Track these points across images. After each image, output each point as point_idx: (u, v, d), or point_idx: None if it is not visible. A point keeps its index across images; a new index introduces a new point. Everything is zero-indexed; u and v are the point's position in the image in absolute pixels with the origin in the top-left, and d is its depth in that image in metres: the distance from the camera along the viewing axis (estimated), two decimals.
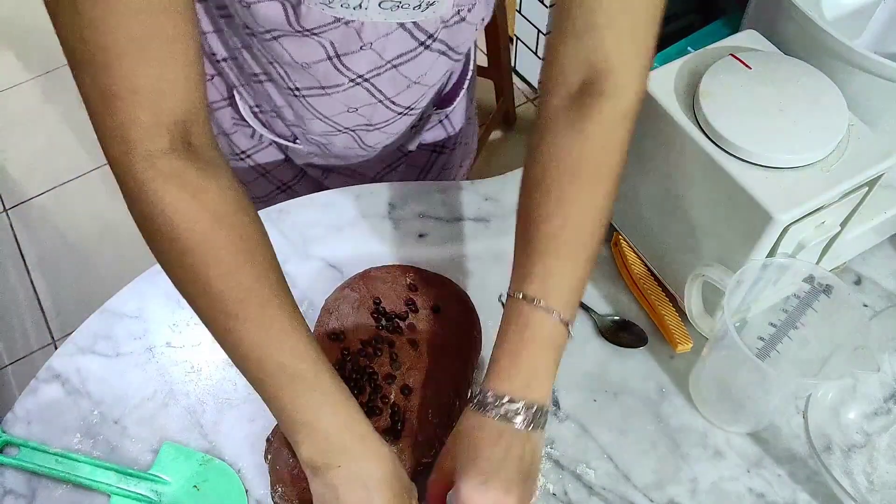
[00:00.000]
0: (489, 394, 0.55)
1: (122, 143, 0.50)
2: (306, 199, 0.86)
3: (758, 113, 0.63)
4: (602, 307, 0.78)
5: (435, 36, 0.69)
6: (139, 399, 0.72)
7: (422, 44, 0.70)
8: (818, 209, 0.62)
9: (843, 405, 0.70)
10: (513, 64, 2.16)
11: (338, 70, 0.70)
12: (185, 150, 0.52)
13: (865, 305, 0.77)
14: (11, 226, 1.97)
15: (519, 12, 1.99)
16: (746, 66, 0.65)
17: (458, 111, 0.95)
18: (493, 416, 0.54)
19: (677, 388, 0.73)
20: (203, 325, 0.77)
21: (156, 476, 0.68)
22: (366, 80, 0.72)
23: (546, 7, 1.88)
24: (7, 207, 2.01)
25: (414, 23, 0.66)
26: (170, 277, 0.55)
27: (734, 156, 0.62)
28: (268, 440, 0.68)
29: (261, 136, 0.88)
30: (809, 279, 0.64)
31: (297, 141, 0.86)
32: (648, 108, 0.65)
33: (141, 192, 0.51)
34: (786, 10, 0.69)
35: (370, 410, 0.66)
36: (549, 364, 0.56)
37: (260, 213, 0.83)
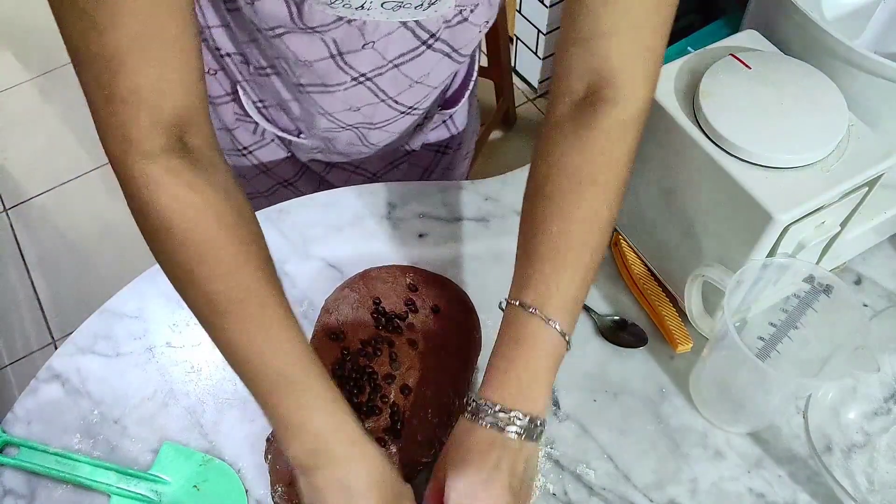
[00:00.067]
0: (482, 402, 0.54)
1: (121, 141, 0.50)
2: (306, 199, 0.86)
3: (758, 113, 0.63)
4: (602, 307, 0.78)
5: (437, 36, 0.69)
6: (139, 399, 0.72)
7: (424, 43, 0.70)
8: (818, 209, 0.62)
9: (843, 405, 0.70)
10: (513, 64, 2.16)
11: (340, 68, 0.70)
12: (183, 150, 0.52)
13: (865, 305, 0.77)
14: (11, 226, 1.97)
15: (519, 12, 1.99)
16: (746, 66, 0.65)
17: (461, 111, 0.95)
18: (486, 425, 0.54)
19: (677, 388, 0.73)
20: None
21: (156, 476, 0.68)
22: (368, 78, 0.72)
23: (546, 7, 1.88)
24: (7, 207, 2.01)
25: (416, 22, 0.66)
26: (166, 274, 0.55)
27: (734, 156, 0.62)
28: (268, 440, 0.68)
29: (263, 132, 0.88)
30: (809, 279, 0.64)
31: (302, 135, 0.86)
32: None
33: (138, 189, 0.51)
34: (786, 10, 0.69)
35: (370, 410, 0.66)
36: (545, 374, 0.55)
37: (260, 212, 0.84)
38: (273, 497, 0.65)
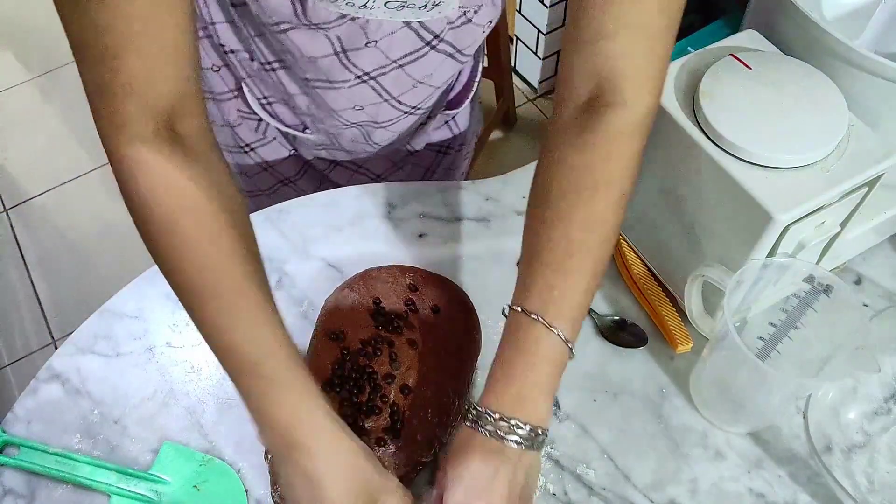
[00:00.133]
0: (483, 410, 0.54)
1: (113, 128, 0.51)
2: (306, 199, 0.86)
3: (758, 113, 0.63)
4: (602, 307, 0.78)
5: (441, 37, 0.69)
6: (139, 399, 0.72)
7: (428, 44, 0.70)
8: (818, 209, 0.62)
9: (843, 405, 0.70)
10: (513, 64, 2.16)
11: (344, 66, 0.70)
12: (173, 137, 0.52)
13: (865, 305, 0.77)
14: (11, 226, 1.97)
15: (519, 12, 1.99)
16: (746, 66, 0.65)
17: (464, 112, 0.96)
18: (485, 433, 0.53)
19: (677, 388, 0.73)
20: None
21: (156, 476, 0.68)
22: (371, 77, 0.72)
23: (546, 7, 1.88)
24: (7, 207, 2.01)
25: (420, 22, 0.66)
26: (152, 257, 0.55)
27: (734, 156, 0.62)
28: None
29: (265, 129, 0.88)
30: (809, 279, 0.64)
31: (307, 130, 0.86)
32: None
33: (126, 173, 0.52)
34: (786, 10, 0.69)
35: (370, 410, 0.66)
36: (546, 383, 0.55)
37: (260, 212, 0.84)
38: (273, 497, 0.65)
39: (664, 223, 0.73)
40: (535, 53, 2.05)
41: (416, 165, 0.98)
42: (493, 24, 0.73)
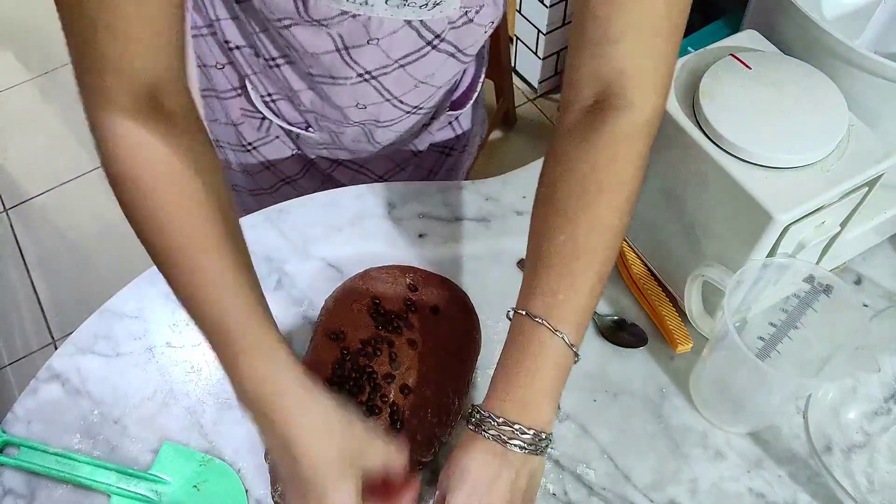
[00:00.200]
0: (485, 413, 0.53)
1: (94, 99, 0.53)
2: (306, 199, 0.86)
3: (758, 113, 0.63)
4: (602, 307, 0.78)
5: (442, 36, 0.69)
6: (139, 399, 0.72)
7: (429, 43, 0.70)
8: (818, 209, 0.62)
9: (843, 405, 0.70)
10: (513, 64, 2.16)
11: (346, 63, 0.70)
12: (153, 111, 0.53)
13: (865, 305, 0.77)
14: (11, 226, 1.97)
15: (519, 12, 1.99)
16: (746, 66, 0.65)
17: (467, 113, 0.96)
18: (488, 437, 0.53)
19: (677, 388, 0.73)
20: None
21: (156, 476, 0.68)
22: (373, 77, 0.72)
23: (546, 7, 1.88)
24: (7, 207, 2.01)
25: (421, 21, 0.66)
26: (132, 228, 0.56)
27: (734, 156, 0.62)
28: None
29: (268, 128, 0.88)
30: (809, 279, 0.64)
31: (310, 129, 0.86)
32: None
33: (105, 143, 0.54)
34: (786, 10, 0.69)
35: (370, 410, 0.66)
36: (551, 387, 0.54)
37: (260, 212, 0.84)
38: (273, 497, 0.65)
39: (664, 223, 0.73)
40: (535, 53, 2.05)
41: (419, 166, 0.98)
42: (494, 25, 0.73)
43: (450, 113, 0.91)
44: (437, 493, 0.56)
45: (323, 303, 0.75)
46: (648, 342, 0.75)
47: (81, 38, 0.50)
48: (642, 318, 0.77)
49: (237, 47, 0.77)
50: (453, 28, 0.69)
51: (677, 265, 0.74)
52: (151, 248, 0.55)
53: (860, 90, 0.66)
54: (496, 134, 2.10)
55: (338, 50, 0.68)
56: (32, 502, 0.67)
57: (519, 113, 2.13)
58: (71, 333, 0.76)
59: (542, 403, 0.54)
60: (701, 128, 0.64)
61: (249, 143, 0.90)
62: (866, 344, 0.59)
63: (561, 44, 2.03)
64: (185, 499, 0.67)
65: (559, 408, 0.71)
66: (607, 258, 0.56)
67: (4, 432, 0.69)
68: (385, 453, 0.55)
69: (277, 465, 0.53)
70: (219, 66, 0.82)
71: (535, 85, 2.15)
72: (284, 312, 0.78)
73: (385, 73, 0.72)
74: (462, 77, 0.90)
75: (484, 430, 0.53)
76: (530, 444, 0.53)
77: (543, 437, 0.54)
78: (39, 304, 1.83)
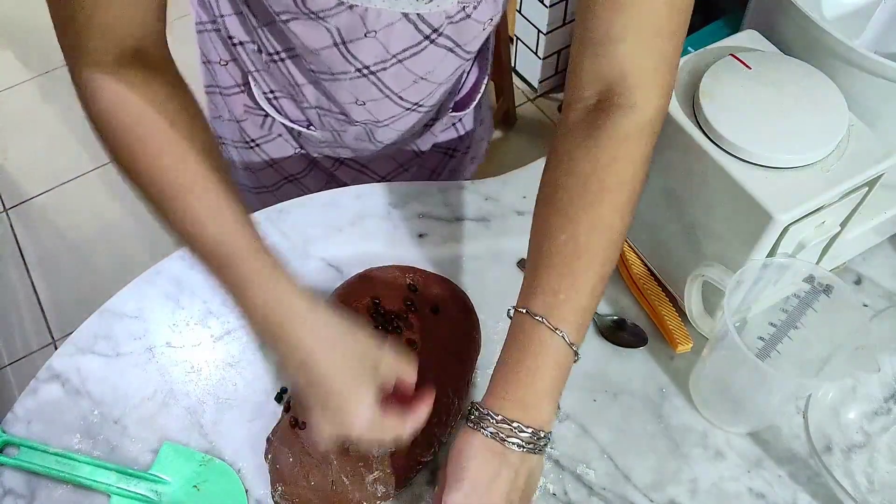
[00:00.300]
0: (484, 411, 0.53)
1: (75, 56, 0.54)
2: (306, 199, 0.86)
3: (758, 113, 0.63)
4: (602, 307, 0.78)
5: (440, 31, 0.69)
6: (139, 399, 0.72)
7: (427, 38, 0.70)
8: (818, 209, 0.62)
9: (843, 405, 0.70)
10: (513, 64, 2.16)
11: (344, 57, 0.70)
12: (133, 64, 0.55)
13: (865, 305, 0.77)
14: (11, 226, 1.97)
15: (519, 12, 1.99)
16: (746, 66, 0.65)
17: (470, 114, 0.96)
18: (486, 435, 0.53)
19: (677, 388, 0.73)
20: (203, 326, 0.77)
21: (156, 476, 0.68)
22: (372, 72, 0.72)
23: (546, 7, 1.88)
24: (7, 207, 2.01)
25: (418, 15, 0.66)
26: (117, 168, 0.57)
27: (734, 156, 0.62)
28: (268, 440, 0.68)
29: (271, 125, 0.88)
30: (809, 279, 0.64)
31: (312, 126, 0.86)
32: None
33: (87, 93, 0.55)
34: (786, 10, 0.69)
35: None
36: (550, 386, 0.54)
37: (260, 212, 0.84)
38: (273, 497, 0.65)
39: (664, 223, 0.73)
40: (535, 53, 2.05)
41: (422, 167, 0.99)
42: (493, 22, 0.73)
43: (452, 114, 0.91)
44: (436, 489, 0.56)
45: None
46: (648, 342, 0.75)
47: (70, 4, 0.51)
48: (642, 318, 0.77)
49: (240, 43, 0.78)
50: (451, 23, 0.69)
51: (677, 265, 0.74)
52: (142, 188, 0.56)
53: (860, 90, 0.66)
54: (496, 134, 2.10)
55: (336, 44, 0.68)
56: (32, 502, 0.67)
57: (519, 113, 2.13)
58: (71, 333, 0.76)
59: (542, 402, 0.54)
60: (701, 128, 0.64)
61: (252, 140, 0.90)
62: (866, 344, 0.59)
63: (561, 44, 2.03)
64: (185, 499, 0.67)
65: (559, 407, 0.71)
66: (609, 258, 0.56)
67: (4, 432, 0.69)
68: (396, 364, 0.56)
69: (294, 384, 0.55)
70: (222, 63, 0.82)
71: (535, 85, 2.15)
72: None
73: (384, 69, 0.72)
74: (465, 79, 0.90)
75: (483, 428, 0.53)
76: (529, 443, 0.53)
77: (542, 435, 0.54)
78: (39, 304, 1.83)
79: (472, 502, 0.52)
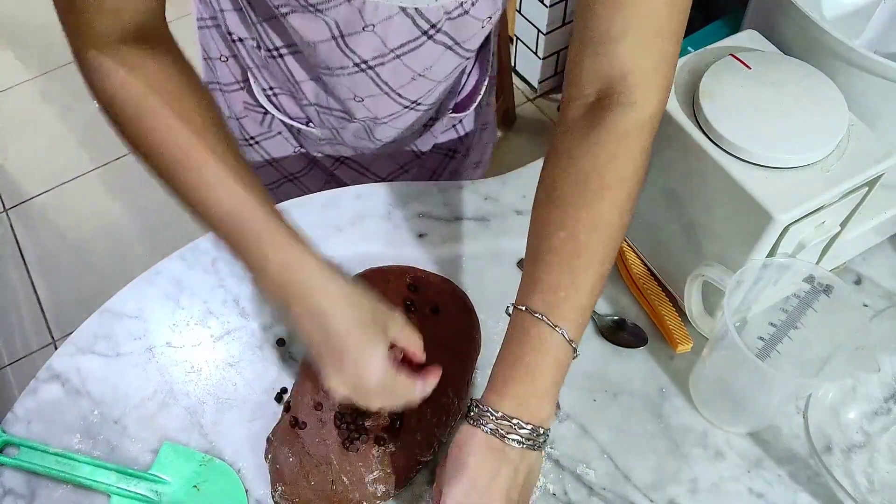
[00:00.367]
0: (484, 407, 0.54)
1: (78, 36, 0.55)
2: (306, 199, 0.86)
3: (758, 113, 0.63)
4: (602, 307, 0.78)
5: (438, 27, 0.70)
6: (139, 399, 0.72)
7: (425, 33, 0.70)
8: (818, 209, 0.62)
9: (843, 405, 0.70)
10: (513, 64, 2.16)
11: (342, 51, 0.70)
12: (136, 41, 0.56)
13: (865, 305, 0.77)
14: (11, 226, 1.97)
15: (519, 12, 1.99)
16: (746, 66, 0.65)
17: (471, 116, 0.96)
18: (486, 431, 0.53)
19: (677, 388, 0.73)
20: (203, 326, 0.77)
21: (156, 476, 0.68)
22: (370, 67, 0.72)
23: (546, 7, 1.88)
24: (7, 207, 2.01)
25: (416, 10, 0.67)
26: (127, 148, 0.59)
27: (734, 156, 0.62)
28: (268, 440, 0.68)
29: (270, 123, 0.89)
30: (809, 279, 0.64)
31: (311, 123, 0.86)
32: None
33: (93, 73, 0.56)
34: (786, 10, 0.69)
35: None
36: (550, 382, 0.54)
37: None
38: (273, 497, 0.65)
39: (664, 223, 0.73)
40: (535, 53, 2.05)
41: (422, 168, 0.98)
42: (492, 21, 0.73)
43: (452, 115, 0.91)
44: (434, 485, 0.56)
45: None
46: (648, 342, 0.75)
47: None
48: (642, 318, 0.77)
49: (240, 39, 0.78)
50: (449, 19, 0.69)
51: (677, 265, 0.74)
52: (153, 161, 0.57)
53: (860, 90, 0.66)
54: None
55: (334, 37, 0.68)
56: (32, 502, 0.67)
57: (519, 113, 2.13)
58: (71, 333, 0.76)
59: (542, 399, 0.54)
60: (701, 128, 0.64)
61: (252, 138, 0.91)
62: (866, 344, 0.59)
63: (561, 44, 2.03)
64: (185, 499, 0.67)
65: (559, 407, 0.71)
66: (608, 256, 0.56)
67: (4, 432, 0.69)
68: (404, 330, 0.59)
69: (309, 342, 0.57)
70: (223, 59, 0.83)
71: (535, 85, 2.15)
72: None
73: (381, 64, 0.72)
74: (466, 80, 0.90)
75: (482, 425, 0.53)
76: (528, 439, 0.53)
77: (542, 432, 0.54)
78: (39, 304, 1.83)
79: (472, 499, 0.52)
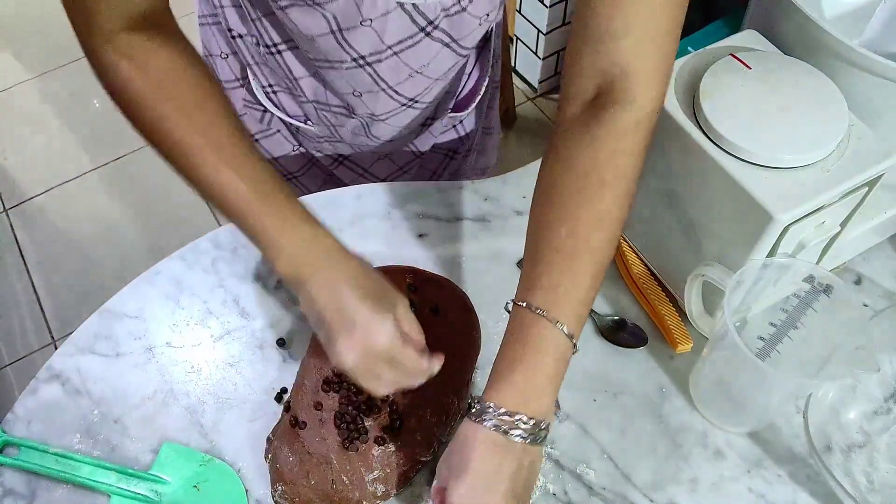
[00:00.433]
0: (486, 404, 0.54)
1: (86, 29, 0.57)
2: (306, 199, 0.86)
3: (758, 113, 0.63)
4: (602, 307, 0.78)
5: (436, 23, 0.70)
6: (139, 399, 0.72)
7: (422, 30, 0.70)
8: (818, 209, 0.62)
9: (843, 405, 0.70)
10: (513, 64, 2.16)
11: (340, 46, 0.70)
12: (145, 30, 0.58)
13: (865, 305, 0.77)
14: (11, 226, 1.97)
15: (519, 12, 1.99)
16: (746, 66, 0.65)
17: (471, 116, 0.96)
18: (489, 427, 0.53)
19: (677, 388, 0.73)
20: (203, 326, 0.77)
21: (156, 476, 0.68)
22: (367, 62, 0.73)
23: (546, 7, 1.88)
24: (7, 207, 2.01)
25: (414, 6, 0.67)
26: (140, 134, 0.60)
27: (734, 156, 0.62)
28: (268, 440, 0.68)
29: (269, 120, 0.89)
30: (809, 279, 0.64)
31: (309, 121, 0.86)
32: None
33: (104, 66, 0.58)
34: (786, 10, 0.69)
35: (369, 409, 0.66)
36: (551, 377, 0.55)
37: None
38: (273, 497, 0.65)
39: (664, 223, 0.73)
40: (535, 53, 2.05)
41: (423, 168, 0.98)
42: (490, 19, 0.73)
43: (452, 115, 0.91)
44: (435, 483, 0.56)
45: None
46: (648, 342, 0.75)
47: None
48: (642, 318, 0.77)
49: (240, 35, 0.78)
50: (447, 16, 0.69)
51: (677, 265, 0.74)
52: (168, 148, 0.59)
53: (860, 90, 0.66)
54: None
55: (332, 31, 0.68)
56: (32, 502, 0.67)
57: (519, 113, 2.13)
58: (71, 333, 0.76)
59: (543, 394, 0.55)
60: (701, 128, 0.64)
61: (251, 136, 0.91)
62: (866, 344, 0.59)
63: (561, 44, 2.03)
64: (185, 499, 0.67)
65: (559, 406, 0.71)
66: (608, 252, 0.57)
67: (4, 432, 0.69)
68: (408, 313, 0.61)
69: (321, 316, 0.58)
70: (223, 56, 0.83)
71: (535, 85, 2.15)
72: (284, 312, 0.78)
73: (379, 60, 0.72)
74: (467, 80, 0.90)
75: (485, 421, 0.53)
76: (531, 434, 0.53)
77: (544, 426, 0.54)
78: (39, 304, 1.83)
79: (476, 495, 0.52)
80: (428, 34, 0.71)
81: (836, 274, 0.68)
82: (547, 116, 2.14)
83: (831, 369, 0.63)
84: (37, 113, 2.20)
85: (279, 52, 0.76)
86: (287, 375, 0.73)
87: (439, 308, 0.73)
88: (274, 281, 0.80)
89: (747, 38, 0.71)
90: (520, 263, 0.81)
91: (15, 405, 0.72)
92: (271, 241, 0.59)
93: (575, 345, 0.56)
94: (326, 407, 0.67)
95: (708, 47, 0.70)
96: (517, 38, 2.08)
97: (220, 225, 0.90)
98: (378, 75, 0.75)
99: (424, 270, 0.77)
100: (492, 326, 0.76)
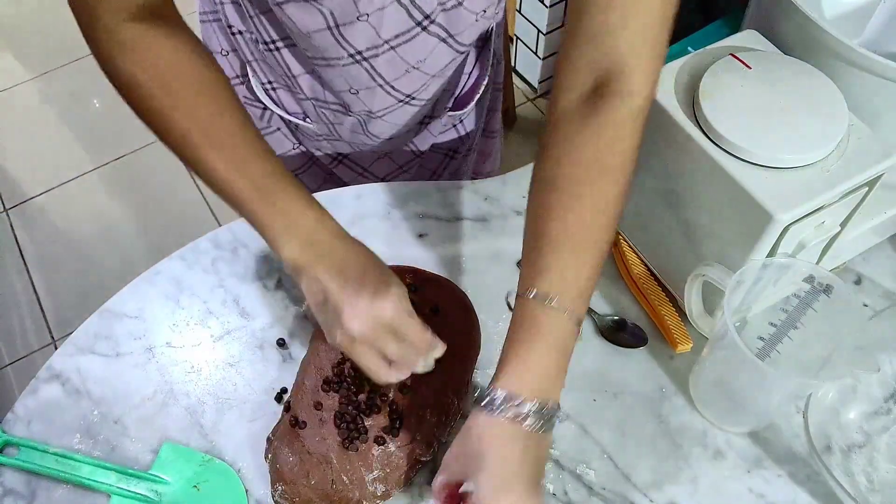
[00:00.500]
0: (499, 394, 0.53)
1: (90, 20, 0.57)
2: None
3: (758, 113, 0.63)
4: (602, 307, 0.78)
5: (432, 18, 0.70)
6: (139, 399, 0.72)
7: (419, 24, 0.70)
8: (818, 209, 0.62)
9: (843, 405, 0.70)
10: (513, 64, 2.16)
11: (337, 41, 0.70)
12: (149, 19, 0.58)
13: (865, 305, 0.77)
14: (11, 226, 1.97)
15: (519, 12, 1.99)
16: (746, 66, 0.65)
17: (471, 116, 0.96)
18: (503, 417, 0.53)
19: (677, 388, 0.73)
20: (203, 326, 0.77)
21: (156, 476, 0.68)
22: (364, 58, 0.73)
23: (546, 7, 1.88)
24: (7, 207, 2.01)
25: (410, 0, 0.67)
26: (145, 125, 0.61)
27: (734, 156, 0.62)
28: (268, 440, 0.68)
29: (269, 118, 0.89)
30: (809, 279, 0.64)
31: (308, 119, 0.86)
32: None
33: (107, 57, 0.58)
34: (786, 10, 0.69)
35: (369, 409, 0.66)
36: (560, 364, 0.55)
37: None
38: (273, 497, 0.65)
39: (664, 223, 0.73)
40: (535, 53, 2.05)
41: (423, 168, 0.98)
42: (487, 15, 0.73)
43: (451, 114, 0.91)
44: (441, 478, 0.55)
45: None
46: (648, 342, 0.75)
47: None
48: (642, 318, 0.77)
49: (239, 32, 0.78)
50: (444, 10, 0.69)
51: (677, 265, 0.74)
52: (175, 138, 0.59)
53: (860, 90, 0.66)
54: None
55: (329, 27, 0.69)
56: (32, 502, 0.67)
57: (519, 113, 2.13)
58: (71, 333, 0.76)
59: (553, 381, 0.55)
60: (701, 128, 0.64)
61: (255, 125, 0.91)
62: (866, 344, 0.59)
63: (562, 35, 2.03)
64: (185, 499, 0.67)
65: (559, 407, 0.71)
66: (609, 238, 0.58)
67: (4, 432, 0.69)
68: (407, 298, 0.61)
69: (330, 290, 0.59)
70: (223, 53, 0.83)
71: (535, 85, 2.15)
72: (284, 312, 0.78)
73: (376, 55, 0.73)
74: (466, 79, 0.90)
75: (497, 411, 0.53)
76: (543, 421, 0.54)
77: (555, 414, 0.55)
78: (39, 304, 1.83)
79: (504, 490, 0.51)
80: (424, 28, 0.71)
81: (836, 274, 0.68)
82: None
83: (831, 369, 0.63)
84: (37, 113, 2.20)
85: (277, 48, 0.76)
86: (287, 375, 0.73)
87: (439, 308, 0.73)
88: (274, 281, 0.80)
89: (747, 38, 0.71)
90: (519, 263, 0.81)
91: (15, 405, 0.72)
92: (276, 228, 0.60)
93: (579, 331, 0.56)
94: (326, 407, 0.67)
95: (708, 47, 0.70)
96: (517, 38, 2.08)
97: (220, 225, 0.90)
98: (375, 70, 0.75)
99: (424, 270, 0.77)
100: (492, 326, 0.76)
